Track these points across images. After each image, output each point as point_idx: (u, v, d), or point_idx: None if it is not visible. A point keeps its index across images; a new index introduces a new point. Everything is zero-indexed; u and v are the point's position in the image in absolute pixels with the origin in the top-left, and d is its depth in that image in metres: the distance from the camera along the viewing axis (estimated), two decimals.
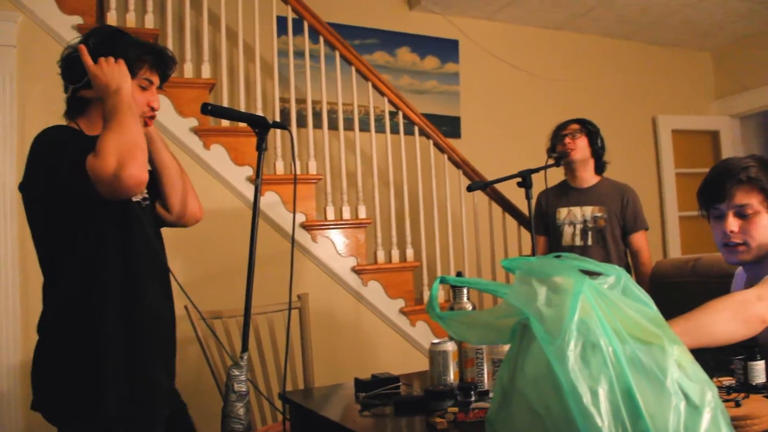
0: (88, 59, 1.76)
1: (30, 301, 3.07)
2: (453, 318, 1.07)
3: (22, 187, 1.76)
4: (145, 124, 1.90)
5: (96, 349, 1.71)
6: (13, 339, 3.04)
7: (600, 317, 0.91)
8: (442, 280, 1.14)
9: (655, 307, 1.01)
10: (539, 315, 0.92)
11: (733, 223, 1.88)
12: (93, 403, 1.70)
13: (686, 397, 0.90)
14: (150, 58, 1.89)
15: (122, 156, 1.60)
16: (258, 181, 1.89)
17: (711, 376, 1.61)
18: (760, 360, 1.68)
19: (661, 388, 0.89)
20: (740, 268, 2.13)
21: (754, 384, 1.66)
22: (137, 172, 1.62)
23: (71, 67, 1.80)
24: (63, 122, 1.90)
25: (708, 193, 1.95)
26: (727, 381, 1.69)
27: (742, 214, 1.87)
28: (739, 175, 1.86)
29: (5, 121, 3.15)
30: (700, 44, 6.29)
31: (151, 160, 1.99)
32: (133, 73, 1.83)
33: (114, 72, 1.76)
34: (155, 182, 2.00)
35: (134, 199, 1.85)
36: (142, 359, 1.80)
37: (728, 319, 1.61)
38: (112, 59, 1.78)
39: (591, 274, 1.07)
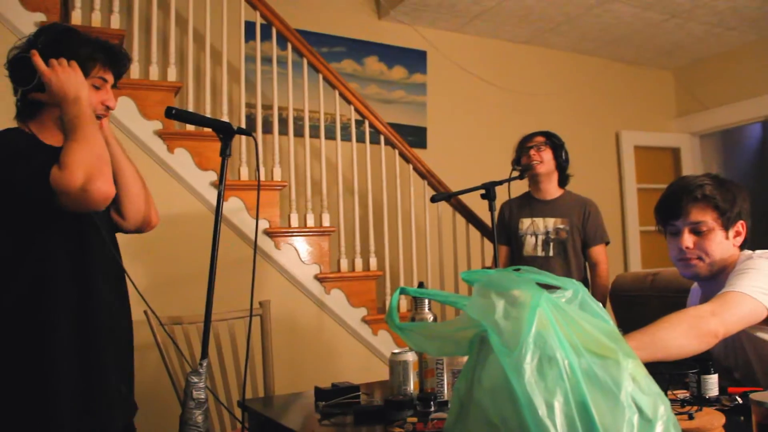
0: (41, 64, 1.69)
1: None
2: (412, 329, 1.07)
3: None
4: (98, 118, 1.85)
5: (48, 357, 1.66)
6: None
7: (557, 331, 0.93)
8: (403, 291, 1.14)
9: (611, 322, 1.03)
10: (497, 327, 0.93)
11: (688, 240, 1.92)
12: (44, 415, 1.65)
13: (639, 410, 0.92)
14: (102, 55, 1.83)
15: (89, 170, 1.57)
16: (221, 187, 1.88)
17: (666, 389, 1.65)
18: (713, 374, 1.71)
19: (615, 402, 0.90)
20: (695, 284, 2.18)
21: (707, 397, 1.69)
22: (105, 187, 1.60)
23: (20, 69, 1.72)
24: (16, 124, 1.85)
25: (665, 210, 1.99)
26: (682, 394, 1.71)
27: (697, 231, 1.92)
28: (694, 193, 1.92)
29: None
30: (662, 63, 6.43)
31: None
32: (86, 73, 1.78)
33: (70, 78, 1.70)
34: None
35: None
36: (97, 367, 1.76)
37: (683, 333, 1.64)
38: (65, 62, 1.72)
39: (549, 287, 1.08)
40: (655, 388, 0.96)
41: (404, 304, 3.96)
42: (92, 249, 1.79)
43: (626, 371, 0.93)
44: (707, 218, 1.91)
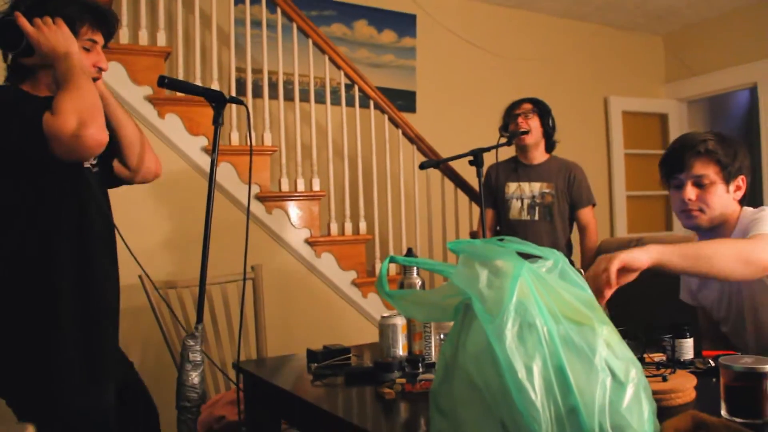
0: (27, 25, 1.69)
1: None
2: (401, 296, 1.13)
3: None
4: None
5: (53, 320, 1.71)
6: None
7: (537, 299, 0.98)
8: (392, 260, 1.20)
9: (589, 290, 1.09)
10: (480, 296, 0.98)
11: (690, 192, 2.01)
12: (49, 374, 1.70)
13: (612, 373, 0.98)
14: (89, 16, 1.82)
15: (82, 116, 1.59)
16: (214, 155, 1.92)
17: (642, 353, 1.72)
18: (689, 338, 1.79)
19: (590, 365, 0.96)
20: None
21: (682, 360, 1.76)
22: (98, 133, 1.62)
23: (5, 33, 1.71)
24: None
25: (669, 164, 2.08)
26: (658, 357, 1.78)
27: (699, 184, 2.01)
28: (697, 147, 2.00)
29: None
30: (653, 28, 6.44)
31: (107, 118, 1.96)
32: (74, 34, 1.77)
33: (57, 36, 1.70)
34: (111, 141, 1.98)
35: (84, 164, 1.83)
36: (98, 329, 1.81)
37: (731, 256, 1.73)
38: (50, 20, 1.71)
39: (532, 257, 1.14)
40: (628, 353, 1.03)
41: (393, 268, 4.03)
42: (89, 208, 1.82)
43: (601, 337, 0.99)
44: (709, 171, 1.99)
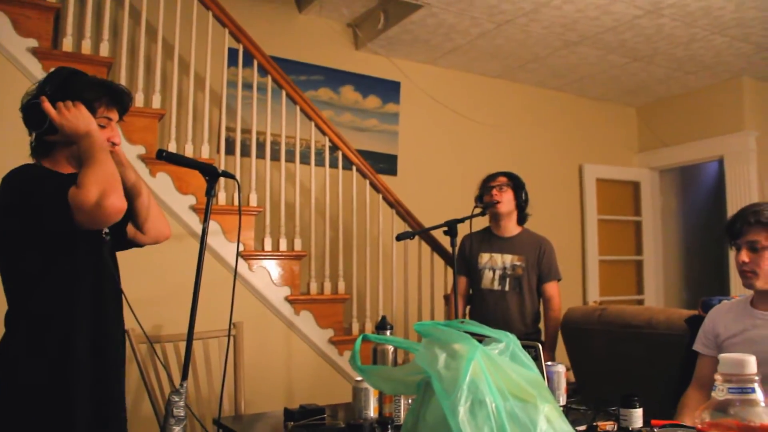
0: (51, 109, 1.87)
1: None
2: (371, 371, 1.28)
3: None
4: None
5: (67, 377, 1.83)
6: None
7: (488, 379, 1.14)
8: (365, 338, 1.35)
9: (536, 370, 1.24)
10: (439, 375, 1.13)
11: (745, 255, 2.24)
12: (63, 425, 1.82)
13: None
14: (106, 97, 2.00)
15: (103, 187, 1.75)
16: (206, 224, 2.05)
17: (593, 421, 1.87)
18: (638, 408, 1.94)
19: None
20: (717, 305, 2.49)
21: (630, 429, 1.91)
22: (117, 201, 1.78)
23: (32, 114, 1.90)
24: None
25: (730, 230, 2.33)
26: (609, 425, 1.93)
27: (753, 248, 2.23)
28: (750, 218, 2.24)
29: None
30: (626, 100, 6.75)
31: (124, 185, 2.12)
32: (93, 114, 1.94)
33: (78, 117, 1.88)
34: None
35: None
36: (107, 387, 1.94)
37: None
38: (70, 104, 1.89)
39: (488, 337, 1.29)
40: (567, 427, 1.18)
41: (369, 326, 4.17)
42: (102, 268, 1.98)
43: (542, 413, 1.14)
44: (761, 237, 2.21)
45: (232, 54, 4.00)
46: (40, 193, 1.79)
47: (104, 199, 1.74)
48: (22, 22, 3.43)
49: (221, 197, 3.82)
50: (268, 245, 3.92)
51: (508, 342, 1.25)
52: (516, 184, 3.59)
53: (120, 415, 2.03)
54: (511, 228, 3.61)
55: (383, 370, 1.47)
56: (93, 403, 1.88)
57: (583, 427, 1.91)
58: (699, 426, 1.03)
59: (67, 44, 3.56)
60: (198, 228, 3.55)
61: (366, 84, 5.33)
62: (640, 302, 6.70)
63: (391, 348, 2.18)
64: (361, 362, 1.27)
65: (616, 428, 1.92)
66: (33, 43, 3.43)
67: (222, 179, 3.82)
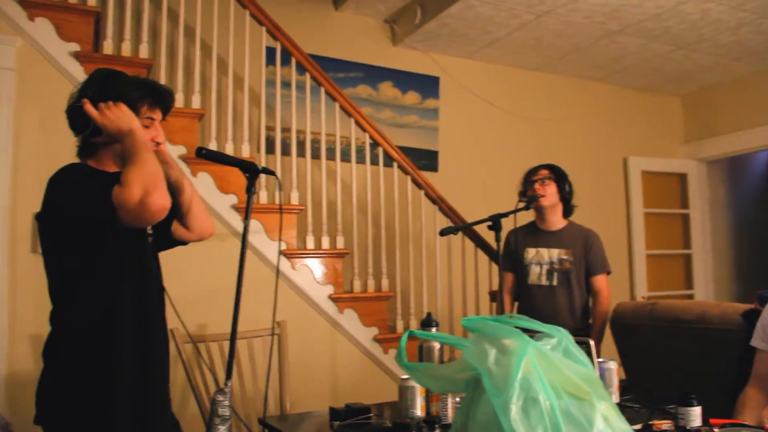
0: (93, 111, 1.88)
1: (17, 318, 3.19)
2: (418, 369, 1.24)
3: (40, 217, 1.88)
4: None
5: (110, 376, 1.84)
6: (0, 352, 3.15)
7: (540, 375, 1.09)
8: (410, 334, 1.31)
9: (591, 366, 1.19)
10: (489, 372, 1.09)
11: None
12: (105, 427, 1.82)
13: None
14: (149, 97, 2.00)
15: (146, 185, 1.75)
16: (247, 221, 2.04)
17: (649, 419, 1.80)
18: (696, 406, 1.86)
19: None
20: None
21: (688, 428, 1.83)
22: (161, 200, 1.77)
23: (77, 117, 1.91)
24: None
25: None
26: (666, 424, 1.86)
27: None
28: None
29: (1, 142, 3.27)
30: (671, 90, 6.58)
31: (169, 182, 2.10)
32: (136, 113, 1.94)
33: (120, 116, 1.88)
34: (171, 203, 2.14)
35: None
36: (151, 386, 1.94)
37: None
38: (112, 104, 1.89)
39: (539, 332, 1.24)
40: (624, 426, 1.12)
41: (414, 324, 4.14)
42: (145, 268, 1.98)
43: (598, 412, 1.09)
44: None
45: (270, 53, 4.00)
46: (85, 192, 1.79)
47: (147, 197, 1.74)
48: (65, 27, 3.47)
49: (262, 196, 3.82)
50: (310, 243, 3.91)
51: (560, 337, 1.20)
52: (559, 177, 3.51)
53: (166, 416, 2.03)
54: (556, 221, 3.53)
55: (430, 367, 1.42)
56: (136, 404, 1.88)
57: (638, 426, 1.84)
58: None
59: (108, 47, 3.59)
60: (240, 227, 3.55)
61: (405, 80, 5.29)
62: (690, 297, 6.53)
63: (437, 345, 2.13)
64: (408, 360, 1.24)
65: (673, 427, 1.85)
66: (75, 47, 3.47)
67: (263, 177, 3.83)
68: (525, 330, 1.19)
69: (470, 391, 1.15)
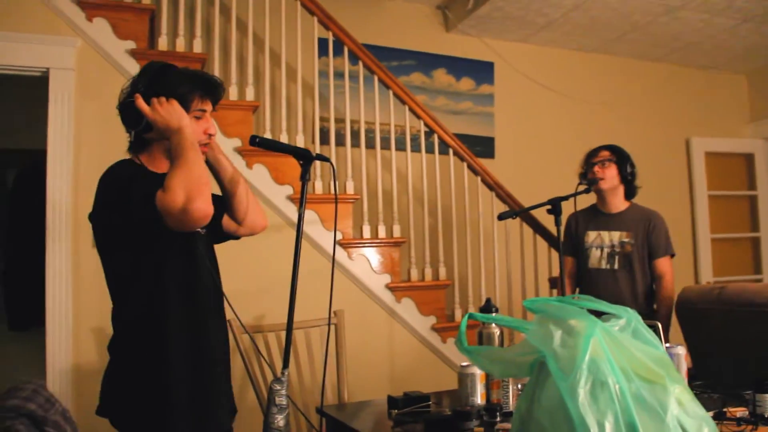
0: (145, 107, 1.88)
1: (81, 311, 3.26)
2: (479, 353, 1.19)
3: (93, 218, 1.90)
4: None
5: (164, 370, 1.85)
6: (65, 344, 3.23)
7: (609, 358, 1.03)
8: (470, 317, 1.26)
9: (662, 348, 1.13)
10: (555, 355, 1.04)
11: None
12: (161, 421, 1.84)
13: (684, 431, 1.02)
14: (199, 90, 1.99)
15: (189, 191, 1.73)
16: (302, 209, 2.02)
17: (723, 406, 1.72)
18: None
19: (661, 423, 1.00)
20: None
21: (765, 416, 1.75)
22: (203, 206, 1.76)
23: (129, 113, 1.91)
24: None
25: None
26: (740, 411, 1.78)
27: None
28: None
29: (63, 140, 3.34)
30: (735, 67, 6.33)
31: (219, 176, 2.12)
32: (186, 107, 1.94)
33: (171, 113, 1.88)
34: (222, 197, 2.13)
35: None
36: (209, 378, 1.95)
37: None
38: (164, 100, 1.89)
39: (605, 314, 1.19)
40: (700, 411, 1.06)
41: (473, 311, 4.07)
42: (200, 271, 1.98)
43: (672, 395, 1.03)
44: None
45: (322, 44, 3.98)
46: (130, 193, 1.78)
47: (190, 203, 1.72)
48: (121, 25, 3.53)
49: (318, 186, 3.81)
50: (366, 233, 3.89)
51: (629, 318, 1.14)
52: (620, 158, 3.40)
53: (224, 408, 2.03)
54: (617, 203, 3.42)
55: (492, 351, 1.38)
56: (193, 396, 1.89)
57: (711, 414, 1.76)
58: None
59: (163, 43, 3.63)
60: (296, 218, 3.55)
61: (459, 66, 5.22)
62: (759, 282, 6.30)
63: (497, 331, 2.08)
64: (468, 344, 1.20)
65: (748, 414, 1.76)
66: (131, 44, 3.52)
67: (318, 168, 3.83)
68: (591, 311, 1.14)
69: (534, 375, 1.10)
